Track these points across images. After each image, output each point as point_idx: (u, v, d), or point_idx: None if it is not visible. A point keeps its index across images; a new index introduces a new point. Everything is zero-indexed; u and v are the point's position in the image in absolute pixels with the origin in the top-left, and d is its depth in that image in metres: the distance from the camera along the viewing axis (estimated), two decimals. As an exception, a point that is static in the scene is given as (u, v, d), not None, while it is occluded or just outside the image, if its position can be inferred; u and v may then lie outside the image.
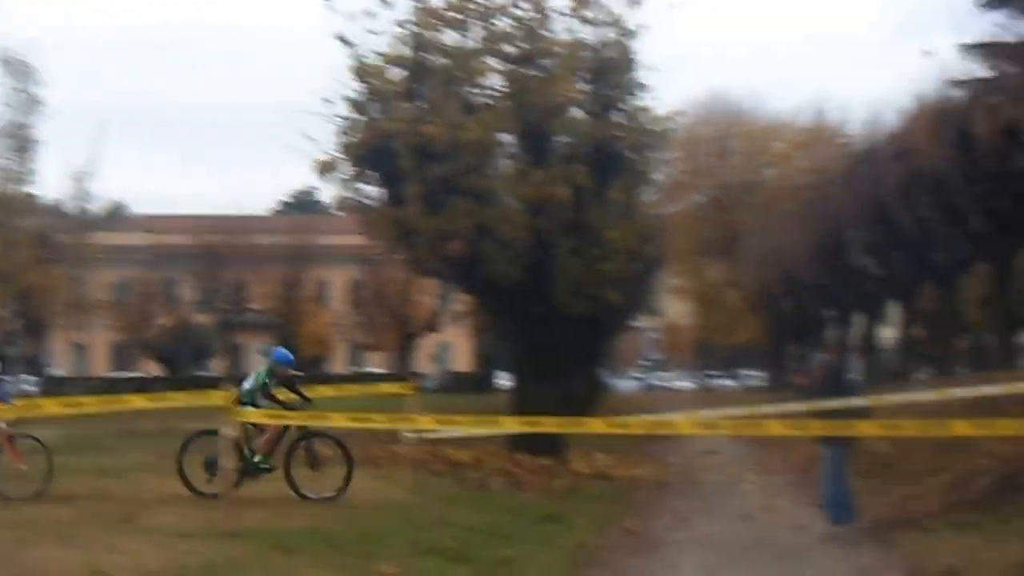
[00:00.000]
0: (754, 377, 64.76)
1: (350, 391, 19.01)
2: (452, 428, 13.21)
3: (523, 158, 21.77)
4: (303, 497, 12.89)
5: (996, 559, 10.19)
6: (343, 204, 23.27)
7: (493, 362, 55.79)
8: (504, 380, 45.52)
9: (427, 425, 12.60)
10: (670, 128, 23.46)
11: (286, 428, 13.54)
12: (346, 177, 21.68)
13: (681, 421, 12.79)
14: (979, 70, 27.09)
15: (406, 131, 20.46)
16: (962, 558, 10.44)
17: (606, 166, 21.47)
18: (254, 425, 13.42)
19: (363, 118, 21.31)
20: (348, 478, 12.91)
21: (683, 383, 72.34)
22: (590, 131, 21.48)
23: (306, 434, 13.44)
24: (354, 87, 21.20)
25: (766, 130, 61.50)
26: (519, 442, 19.26)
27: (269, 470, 13.56)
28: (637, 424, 11.86)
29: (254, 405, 13.33)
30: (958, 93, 28.71)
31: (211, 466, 13.24)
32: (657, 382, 73.35)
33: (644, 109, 22.25)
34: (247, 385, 13.81)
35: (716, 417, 14.79)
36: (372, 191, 22.01)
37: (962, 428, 10.98)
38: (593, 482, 17.53)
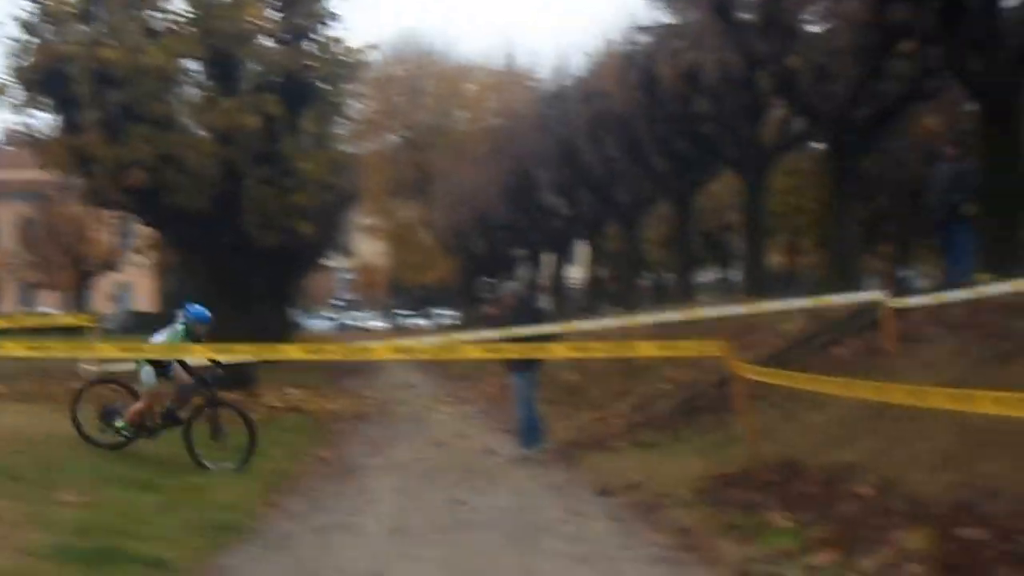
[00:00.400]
0: (447, 316, 65.71)
1: (25, 321, 17.85)
2: (137, 356, 12.49)
3: (210, 85, 21.06)
4: (201, 466, 11.89)
5: (675, 473, 10.70)
6: (12, 134, 21.75)
7: (177, 302, 53.84)
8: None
9: (109, 354, 11.88)
10: (362, 60, 23.23)
11: (190, 393, 12.48)
12: (16, 103, 20.28)
13: (378, 347, 12.70)
14: (663, 16, 28.20)
15: (83, 54, 19.39)
16: (644, 473, 10.92)
17: (298, 96, 21.06)
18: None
19: (35, 40, 19.99)
20: (250, 449, 12.01)
21: (376, 323, 72.51)
22: (280, 60, 20.97)
23: (211, 402, 12.51)
24: (25, 7, 19.90)
25: (458, 71, 62.07)
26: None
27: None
28: (334, 350, 11.68)
29: (159, 366, 12.23)
30: (643, 38, 29.76)
31: (107, 416, 12.37)
32: (350, 321, 73.13)
33: (336, 40, 21.95)
34: (157, 341, 12.64)
35: (412, 344, 14.80)
36: (46, 118, 20.75)
37: (646, 349, 11.42)
38: (287, 415, 17.22)
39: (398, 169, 59.81)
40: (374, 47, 25.44)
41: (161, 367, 12.23)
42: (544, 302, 35.96)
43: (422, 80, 61.64)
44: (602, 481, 10.90)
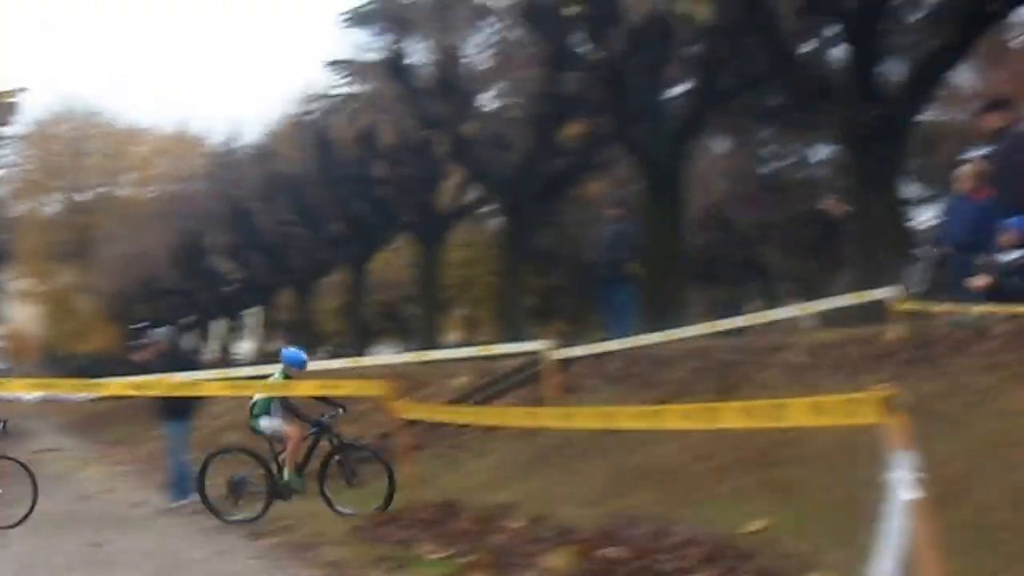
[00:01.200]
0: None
1: None
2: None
3: None
4: (340, 515, 10.87)
5: (333, 516, 10.73)
6: None
7: None
8: None
9: None
10: (10, 103, 21.92)
11: (315, 440, 11.66)
12: None
13: (14, 383, 11.84)
14: (340, 83, 28.22)
15: None
16: (300, 517, 10.58)
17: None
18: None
19: None
20: (390, 493, 10.90)
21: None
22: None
23: (340, 447, 11.55)
24: None
25: (126, 134, 59.64)
26: None
27: (298, 492, 11.46)
28: None
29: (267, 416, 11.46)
30: (320, 103, 29.68)
31: (237, 487, 11.46)
32: (-2, 393, 67.88)
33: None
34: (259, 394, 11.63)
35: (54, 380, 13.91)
36: None
37: (306, 388, 11.21)
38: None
39: (58, 231, 56.66)
40: (23, 90, 24.15)
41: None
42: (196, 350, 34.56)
43: (87, 141, 58.76)
44: (255, 529, 10.46)
